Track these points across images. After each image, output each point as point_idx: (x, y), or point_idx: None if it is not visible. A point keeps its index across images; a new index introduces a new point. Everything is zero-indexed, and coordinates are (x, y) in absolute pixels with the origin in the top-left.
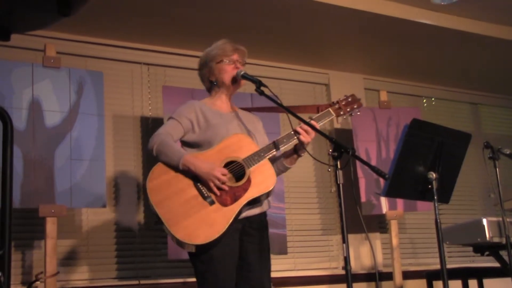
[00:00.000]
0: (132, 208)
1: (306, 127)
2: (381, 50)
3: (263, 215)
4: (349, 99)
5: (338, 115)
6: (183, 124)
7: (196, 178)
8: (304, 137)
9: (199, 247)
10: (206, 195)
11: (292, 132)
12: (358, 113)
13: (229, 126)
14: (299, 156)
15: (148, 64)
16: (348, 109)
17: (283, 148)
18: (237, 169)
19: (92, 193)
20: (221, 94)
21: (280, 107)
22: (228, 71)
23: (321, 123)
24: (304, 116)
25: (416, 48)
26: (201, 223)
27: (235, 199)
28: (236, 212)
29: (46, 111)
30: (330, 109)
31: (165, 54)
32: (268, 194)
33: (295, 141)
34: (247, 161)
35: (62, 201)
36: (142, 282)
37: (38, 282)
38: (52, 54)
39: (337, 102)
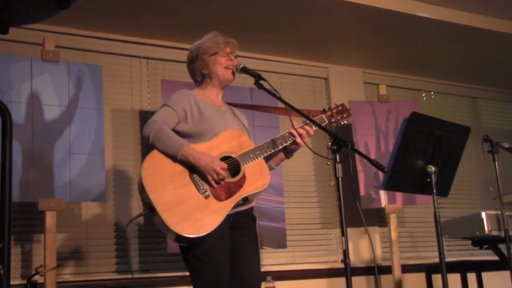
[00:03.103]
0: (131, 202)
1: (301, 130)
2: (380, 44)
3: (251, 209)
4: (340, 108)
5: (330, 122)
6: (178, 113)
7: (192, 169)
8: (299, 140)
9: (191, 241)
10: (201, 187)
11: (287, 134)
12: (346, 122)
13: (222, 120)
14: (287, 158)
15: (147, 58)
16: (338, 118)
17: (277, 149)
18: (232, 165)
19: (91, 187)
20: (212, 87)
21: (274, 108)
22: (222, 63)
23: (314, 129)
24: (295, 120)
25: (416, 42)
26: (195, 216)
27: (229, 194)
28: (230, 208)
29: (45, 105)
30: (323, 115)
31: (164, 48)
32: (259, 193)
33: (288, 143)
34: (242, 157)
35: (62, 195)
36: (141, 276)
37: (37, 276)
38: (51, 48)
39: (329, 109)
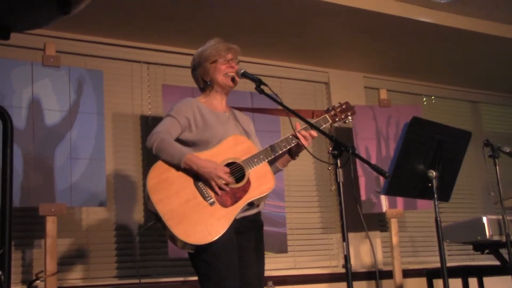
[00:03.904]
0: (132, 206)
1: (305, 132)
2: (380, 49)
3: (258, 214)
4: (344, 106)
5: (334, 122)
6: (181, 122)
7: (197, 177)
8: (304, 142)
9: (198, 248)
10: (206, 195)
11: (291, 136)
12: (351, 120)
13: (227, 126)
14: (293, 159)
15: (148, 63)
16: (343, 116)
17: (282, 152)
18: (236, 171)
19: (92, 191)
20: (215, 93)
21: (276, 109)
22: (223, 71)
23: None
24: (297, 121)
25: (416, 47)
26: (201, 223)
27: (235, 200)
28: (236, 213)
29: (46, 110)
30: (326, 115)
31: (165, 53)
32: (265, 197)
33: (292, 145)
34: (246, 162)
35: (62, 200)
36: (143, 281)
37: (38, 281)
38: (52, 53)
39: (333, 108)
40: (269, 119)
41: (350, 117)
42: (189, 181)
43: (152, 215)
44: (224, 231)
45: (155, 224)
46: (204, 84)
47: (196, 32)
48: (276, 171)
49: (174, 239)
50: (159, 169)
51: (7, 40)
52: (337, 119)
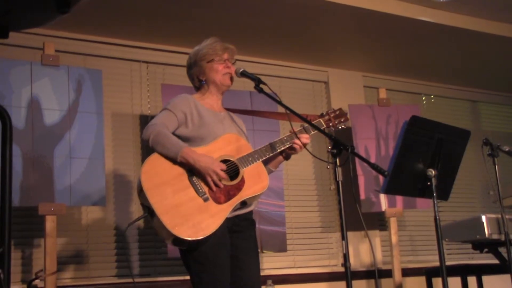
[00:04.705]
0: (131, 206)
1: (303, 139)
2: (380, 48)
3: (250, 213)
4: (337, 112)
5: (327, 127)
6: (178, 117)
7: (191, 172)
8: (298, 144)
9: (191, 243)
10: (200, 190)
11: (286, 138)
12: (344, 126)
13: (223, 125)
14: (285, 160)
15: (147, 62)
16: (336, 122)
17: (276, 152)
18: (230, 168)
19: (92, 191)
20: (210, 93)
21: (270, 112)
22: (219, 70)
23: (311, 134)
24: (293, 124)
25: (415, 46)
26: (194, 218)
27: (228, 197)
28: (229, 211)
29: (45, 110)
30: (321, 120)
31: (164, 52)
32: (258, 197)
33: (287, 146)
34: (241, 161)
35: (62, 199)
36: (141, 280)
37: (38, 280)
38: (51, 52)
39: (327, 113)
40: (268, 119)
41: (343, 124)
42: (184, 175)
43: (144, 209)
44: (217, 228)
45: (145, 217)
46: (200, 83)
47: (195, 31)
48: (269, 172)
49: (165, 234)
50: (154, 162)
51: (6, 40)
52: (331, 124)
